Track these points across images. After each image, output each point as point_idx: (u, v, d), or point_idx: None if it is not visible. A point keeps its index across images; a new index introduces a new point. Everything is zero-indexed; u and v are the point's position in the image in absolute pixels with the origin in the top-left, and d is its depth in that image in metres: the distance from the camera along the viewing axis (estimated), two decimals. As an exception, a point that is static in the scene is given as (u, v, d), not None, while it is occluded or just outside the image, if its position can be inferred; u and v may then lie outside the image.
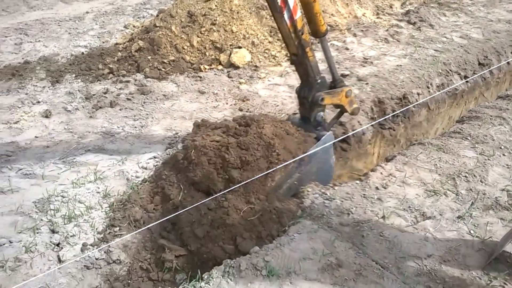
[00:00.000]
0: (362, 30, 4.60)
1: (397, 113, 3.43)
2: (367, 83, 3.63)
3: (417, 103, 3.59)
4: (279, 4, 2.32)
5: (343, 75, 3.75)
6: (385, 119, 3.49)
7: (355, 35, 4.50)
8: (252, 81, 3.66)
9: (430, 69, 3.94)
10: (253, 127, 2.48)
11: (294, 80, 3.70)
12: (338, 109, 2.81)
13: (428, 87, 3.82)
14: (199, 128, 2.63)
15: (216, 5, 4.06)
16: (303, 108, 2.74)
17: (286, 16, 2.37)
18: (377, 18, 4.94)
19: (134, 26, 4.78)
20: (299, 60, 2.58)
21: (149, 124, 3.13)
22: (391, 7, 5.21)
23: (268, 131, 2.45)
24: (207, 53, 3.86)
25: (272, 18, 2.61)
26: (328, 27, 2.71)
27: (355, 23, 4.71)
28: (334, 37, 4.38)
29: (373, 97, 3.51)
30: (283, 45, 4.06)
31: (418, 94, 3.73)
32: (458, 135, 3.02)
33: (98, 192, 2.48)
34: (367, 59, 4.07)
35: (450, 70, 4.05)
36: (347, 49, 4.24)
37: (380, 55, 4.16)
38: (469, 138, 2.95)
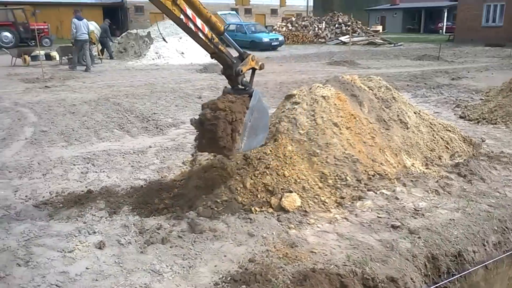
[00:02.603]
0: (411, 180, 4.64)
1: (457, 276, 3.27)
2: (419, 237, 3.56)
3: (479, 266, 3.43)
4: (194, 30, 3.40)
5: (393, 226, 3.72)
6: (439, 277, 3.34)
7: (404, 185, 4.54)
8: (301, 227, 3.68)
9: (485, 225, 3.83)
10: (207, 110, 3.54)
11: (344, 228, 3.69)
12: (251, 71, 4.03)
13: (484, 245, 3.68)
14: None
15: (270, 150, 4.31)
16: (231, 81, 3.89)
17: (200, 34, 3.46)
18: (426, 168, 5.00)
19: (192, 164, 5.10)
20: (218, 55, 3.70)
21: (197, 265, 3.14)
22: (440, 158, 5.29)
23: (221, 106, 3.51)
24: (258, 195, 4.00)
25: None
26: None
27: (405, 173, 4.78)
28: (383, 186, 4.43)
29: (426, 253, 3.40)
30: (333, 191, 4.16)
31: (474, 252, 3.58)
32: (523, 305, 2.81)
33: (140, 338, 2.42)
34: (418, 210, 4.04)
35: (506, 227, 3.92)
36: (397, 198, 4.25)
37: (431, 207, 4.13)
38: (535, 309, 2.73)
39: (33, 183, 4.84)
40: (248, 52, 4.01)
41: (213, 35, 3.57)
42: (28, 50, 18.60)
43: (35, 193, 4.57)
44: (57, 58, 18.20)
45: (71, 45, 16.50)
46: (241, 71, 3.78)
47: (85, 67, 15.54)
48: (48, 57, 19.01)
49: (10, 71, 15.68)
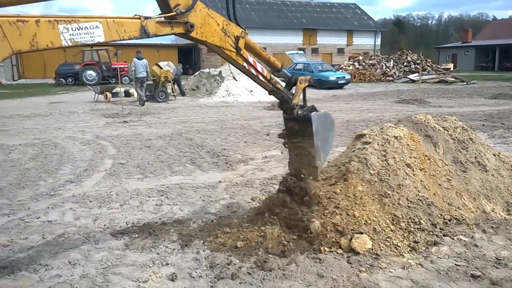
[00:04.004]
0: (492, 227, 4.36)
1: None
2: (503, 290, 3.31)
3: None
4: (255, 73, 3.86)
5: (473, 276, 3.49)
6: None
7: (484, 231, 4.28)
8: (373, 271, 3.57)
9: None
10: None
11: (418, 274, 3.53)
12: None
13: None
14: None
15: (340, 190, 4.27)
16: (287, 113, 4.23)
17: (260, 76, 3.92)
18: (508, 215, 4.69)
19: (260, 200, 5.16)
20: (275, 92, 4.09)
21: (266, 304, 3.14)
22: (523, 204, 4.94)
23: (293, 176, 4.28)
24: (328, 235, 3.94)
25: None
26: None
27: (484, 219, 4.50)
28: (461, 232, 4.19)
29: (512, 309, 3.15)
30: (406, 234, 4.01)
31: None
32: None
33: None
34: (500, 260, 3.77)
35: None
36: (476, 246, 4.00)
37: (515, 258, 3.83)
38: None
39: (111, 213, 5.13)
40: (301, 78, 4.30)
41: (272, 76, 4.02)
42: (109, 87, 20.14)
43: (113, 222, 4.83)
44: (135, 95, 19.47)
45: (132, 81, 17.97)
46: (296, 105, 4.10)
47: (159, 102, 16.58)
48: (127, 94, 20.41)
49: (93, 106, 17.00)
